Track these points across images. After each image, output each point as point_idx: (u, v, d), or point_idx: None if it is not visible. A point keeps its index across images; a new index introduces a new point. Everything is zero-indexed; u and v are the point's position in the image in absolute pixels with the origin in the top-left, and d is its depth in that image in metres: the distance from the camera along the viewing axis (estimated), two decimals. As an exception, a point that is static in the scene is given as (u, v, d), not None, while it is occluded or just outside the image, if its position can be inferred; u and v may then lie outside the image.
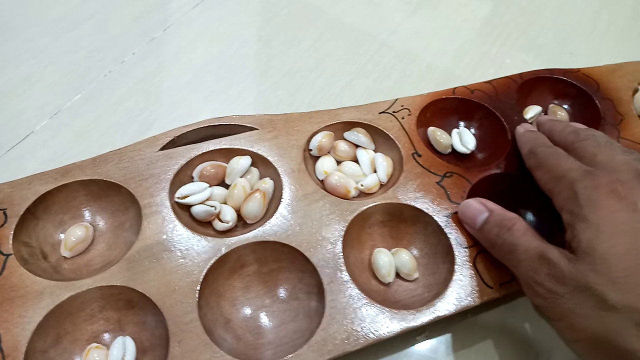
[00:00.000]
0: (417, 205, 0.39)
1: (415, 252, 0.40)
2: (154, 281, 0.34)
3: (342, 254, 0.36)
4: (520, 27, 0.60)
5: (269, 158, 0.40)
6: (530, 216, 0.41)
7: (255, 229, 0.37)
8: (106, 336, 0.34)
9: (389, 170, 0.42)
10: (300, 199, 0.39)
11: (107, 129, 0.47)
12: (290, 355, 0.32)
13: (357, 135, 0.43)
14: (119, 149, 0.40)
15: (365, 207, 0.39)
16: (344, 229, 0.38)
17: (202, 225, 0.39)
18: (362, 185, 0.41)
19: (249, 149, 0.41)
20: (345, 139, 0.44)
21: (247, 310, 0.36)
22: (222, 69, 0.53)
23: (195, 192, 0.38)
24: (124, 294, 0.34)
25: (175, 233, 0.36)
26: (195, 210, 0.38)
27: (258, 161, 0.41)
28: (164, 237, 0.36)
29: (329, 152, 0.43)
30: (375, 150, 0.44)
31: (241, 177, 0.40)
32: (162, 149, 0.40)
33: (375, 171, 0.42)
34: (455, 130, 0.46)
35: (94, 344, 0.33)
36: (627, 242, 0.29)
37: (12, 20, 0.55)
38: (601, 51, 0.58)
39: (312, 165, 0.42)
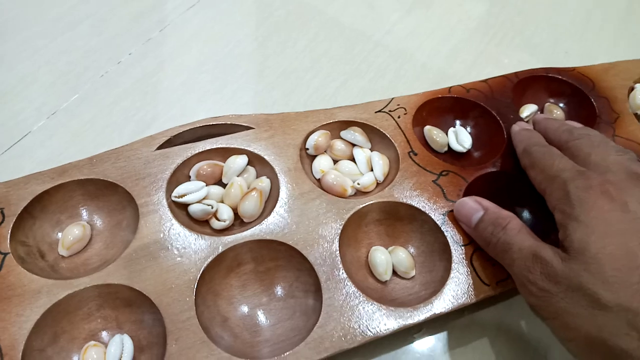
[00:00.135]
0: (414, 204, 0.39)
1: (412, 250, 0.40)
2: (151, 280, 0.34)
3: (338, 252, 0.36)
4: (515, 27, 0.61)
5: (265, 157, 0.41)
6: (526, 214, 0.42)
7: (252, 228, 0.37)
8: (104, 334, 0.34)
9: (385, 168, 0.42)
10: (297, 198, 0.39)
11: (104, 129, 0.47)
12: (287, 353, 0.32)
13: (354, 134, 0.43)
14: (115, 149, 0.40)
15: (361, 206, 0.39)
16: (341, 227, 0.38)
17: (199, 224, 0.39)
18: (358, 184, 0.41)
19: (246, 148, 0.41)
20: (341, 138, 0.44)
21: (244, 309, 0.36)
22: (218, 69, 0.53)
23: (192, 191, 0.38)
24: (121, 293, 0.34)
25: (172, 232, 0.36)
26: (192, 209, 0.38)
27: (254, 160, 0.41)
28: (161, 235, 0.36)
29: (325, 151, 0.43)
30: (371, 149, 0.44)
31: (238, 176, 0.40)
32: (159, 148, 0.40)
33: (371, 170, 0.42)
34: (451, 129, 0.46)
35: (92, 342, 0.33)
36: (617, 242, 0.29)
37: (8, 21, 0.55)
38: (596, 50, 0.58)
39: (309, 164, 0.42)
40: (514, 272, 0.33)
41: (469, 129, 0.47)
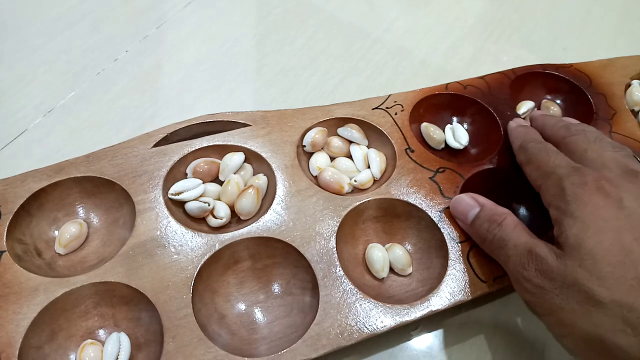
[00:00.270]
0: (410, 201, 0.39)
1: (409, 247, 0.40)
2: (148, 277, 0.34)
3: (335, 249, 0.36)
4: (513, 23, 0.61)
5: (262, 154, 0.41)
6: (522, 210, 0.42)
7: (249, 225, 0.37)
8: (101, 332, 0.34)
9: (382, 165, 0.42)
10: (294, 195, 0.39)
11: (101, 127, 0.47)
12: (284, 350, 0.32)
13: (351, 131, 0.43)
14: (112, 146, 0.40)
15: (358, 203, 0.39)
16: (338, 224, 0.38)
17: (196, 221, 0.39)
18: (355, 181, 0.41)
19: (243, 145, 0.41)
20: (338, 135, 0.44)
21: (242, 306, 0.36)
22: (215, 66, 0.53)
23: (188, 188, 0.38)
24: (118, 290, 0.34)
25: (169, 229, 0.36)
26: (189, 206, 0.38)
27: (251, 157, 0.41)
28: (158, 233, 0.36)
29: (322, 148, 0.43)
30: (368, 146, 0.44)
31: (235, 173, 0.40)
32: (156, 145, 0.40)
33: (368, 167, 0.42)
34: (448, 126, 0.46)
35: (89, 340, 0.33)
36: (612, 238, 0.29)
37: (5, 20, 0.55)
38: (594, 46, 0.58)
39: (306, 161, 0.42)
40: (509, 269, 0.33)
41: (466, 125, 0.47)
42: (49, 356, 0.33)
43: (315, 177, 0.41)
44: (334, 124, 0.44)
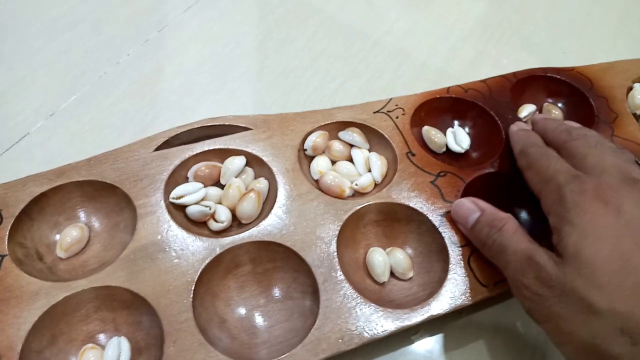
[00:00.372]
0: (411, 205, 0.39)
1: (409, 251, 0.40)
2: (148, 281, 0.34)
3: (336, 253, 0.36)
4: (514, 26, 0.61)
5: (263, 158, 0.41)
6: (524, 215, 0.42)
7: (250, 229, 0.37)
8: (101, 336, 0.34)
9: (384, 169, 0.42)
10: (295, 199, 0.39)
11: (103, 130, 0.47)
12: (284, 355, 0.32)
13: (352, 135, 0.43)
14: (113, 150, 0.40)
15: (359, 207, 0.39)
16: (339, 228, 0.38)
17: (197, 225, 0.39)
18: (356, 185, 0.41)
19: (244, 149, 0.41)
20: (339, 139, 0.44)
21: (242, 310, 0.36)
22: (216, 69, 0.53)
23: (190, 192, 0.38)
24: (119, 295, 0.34)
25: (170, 233, 0.36)
26: (190, 210, 0.38)
27: (252, 161, 0.41)
28: (159, 237, 0.36)
29: (323, 152, 0.43)
30: (369, 150, 0.44)
31: (236, 177, 0.40)
32: (157, 149, 0.40)
33: (369, 171, 0.42)
34: (449, 130, 0.46)
35: (90, 345, 0.33)
36: (611, 246, 0.29)
37: (7, 23, 0.55)
38: (594, 49, 0.58)
39: (307, 165, 0.42)
40: (509, 275, 0.33)
41: (467, 129, 0.47)
42: (49, 360, 0.33)
43: (316, 181, 0.41)
44: (335, 128, 0.44)
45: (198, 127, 0.42)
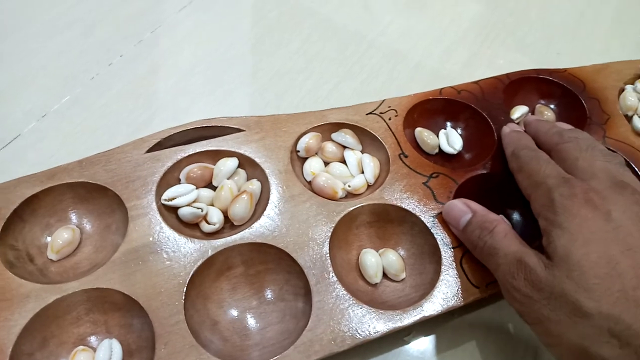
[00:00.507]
0: (404, 206, 0.39)
1: (402, 252, 0.40)
2: (140, 283, 0.34)
3: (329, 255, 0.36)
4: (508, 28, 0.61)
5: (256, 159, 0.41)
6: (516, 216, 0.42)
7: (242, 231, 0.37)
8: (93, 339, 0.34)
9: (376, 171, 0.42)
10: (288, 200, 0.39)
11: (95, 132, 0.47)
12: (276, 357, 0.32)
13: (345, 137, 0.43)
14: (105, 152, 0.39)
15: (352, 208, 0.39)
16: (331, 229, 0.38)
17: (189, 227, 0.39)
18: (349, 186, 0.41)
19: (236, 150, 0.41)
20: (332, 140, 0.44)
21: (234, 312, 0.36)
22: (210, 71, 0.53)
23: (182, 194, 0.38)
24: (110, 297, 0.34)
25: (162, 235, 0.36)
26: (182, 212, 0.38)
27: (245, 163, 0.41)
28: (151, 239, 0.36)
29: (316, 153, 0.43)
30: (362, 151, 0.44)
31: (228, 178, 0.40)
32: (149, 151, 0.40)
33: (362, 172, 0.42)
34: (442, 131, 0.46)
35: (81, 347, 0.33)
36: (600, 250, 0.29)
37: (-1, 23, 0.55)
38: (588, 51, 0.59)
39: (300, 167, 0.42)
40: (499, 277, 0.33)
41: (459, 130, 0.47)
42: (40, 363, 0.33)
43: (309, 183, 0.41)
44: (328, 129, 0.44)
45: (190, 129, 0.41)
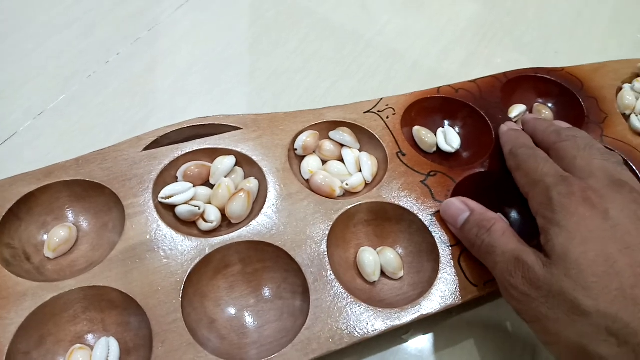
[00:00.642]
0: (402, 204, 0.39)
1: (400, 250, 0.40)
2: (137, 281, 0.34)
3: (326, 253, 0.36)
4: (505, 27, 0.61)
5: (253, 158, 0.40)
6: (514, 214, 0.42)
7: (239, 229, 0.37)
8: (90, 337, 0.34)
9: (374, 169, 0.42)
10: (285, 199, 0.39)
11: (91, 130, 0.47)
12: (274, 355, 0.32)
13: (342, 135, 0.43)
14: (102, 150, 0.39)
15: (350, 206, 0.39)
16: (329, 228, 0.38)
17: (186, 225, 0.38)
18: (347, 185, 0.41)
19: (233, 148, 0.41)
20: (330, 139, 0.44)
21: (232, 310, 0.36)
22: (207, 69, 0.53)
23: (179, 192, 0.38)
24: (107, 295, 0.34)
25: (159, 233, 0.36)
26: (179, 210, 0.38)
27: (242, 161, 0.41)
28: (148, 237, 0.36)
29: (314, 152, 0.43)
30: (360, 150, 0.44)
31: (225, 176, 0.40)
32: (146, 149, 0.40)
33: (360, 170, 0.42)
34: (440, 129, 0.46)
35: (78, 345, 0.33)
36: (598, 248, 0.29)
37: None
38: (585, 50, 0.59)
39: (297, 165, 0.42)
40: (497, 275, 0.33)
41: (457, 129, 0.47)
42: (37, 361, 0.32)
43: (307, 181, 0.41)
44: (325, 128, 0.44)
45: (187, 127, 0.41)
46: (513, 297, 0.31)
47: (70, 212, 0.39)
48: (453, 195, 0.40)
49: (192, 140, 0.41)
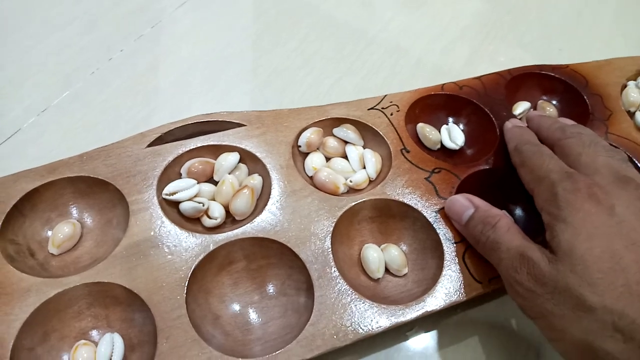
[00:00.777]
0: (406, 201, 0.39)
1: (404, 247, 0.40)
2: (141, 278, 0.34)
3: (331, 249, 0.36)
4: (509, 24, 0.61)
5: (257, 154, 0.40)
6: (518, 211, 0.42)
7: (243, 225, 0.37)
8: (94, 333, 0.34)
9: (378, 166, 0.42)
10: (289, 195, 0.39)
11: (95, 127, 0.47)
12: (279, 351, 0.32)
13: (346, 132, 0.43)
14: (106, 146, 0.39)
15: (354, 203, 0.39)
16: (333, 224, 0.37)
17: (190, 222, 0.38)
18: (351, 181, 0.41)
19: (237, 145, 0.41)
20: (334, 135, 0.44)
21: (236, 307, 0.36)
22: (210, 66, 0.53)
23: (183, 188, 0.38)
24: (111, 291, 0.34)
25: (163, 229, 0.36)
26: (183, 207, 0.38)
27: (246, 157, 0.41)
28: (152, 233, 0.36)
29: (317, 149, 0.43)
30: (364, 147, 0.44)
31: (229, 173, 0.40)
32: (150, 145, 0.40)
33: (364, 167, 0.42)
34: (444, 126, 0.46)
35: (82, 341, 0.33)
36: (603, 245, 0.29)
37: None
38: (590, 47, 0.59)
39: (301, 162, 0.42)
40: (502, 272, 0.33)
41: (461, 126, 0.47)
42: (41, 357, 0.32)
43: (311, 178, 0.41)
44: (329, 124, 0.44)
45: (191, 124, 0.41)
46: (518, 294, 0.31)
47: (74, 208, 0.39)
48: (457, 193, 0.40)
49: (195, 136, 0.41)
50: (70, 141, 0.45)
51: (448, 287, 0.36)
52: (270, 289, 0.37)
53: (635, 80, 0.50)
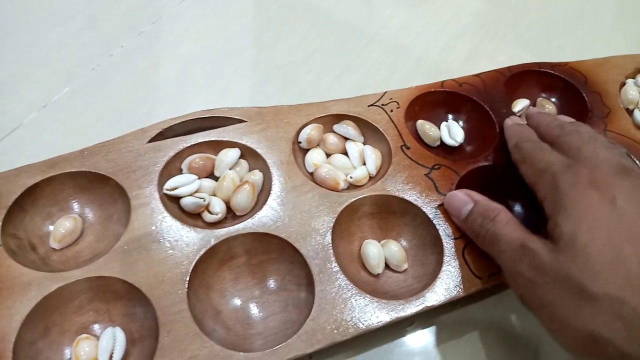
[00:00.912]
0: (406, 197, 0.39)
1: (404, 243, 0.40)
2: (142, 272, 0.34)
3: (331, 245, 0.36)
4: (509, 21, 0.61)
5: (257, 150, 0.41)
6: (518, 207, 0.42)
7: (244, 221, 0.37)
8: (95, 327, 0.34)
9: (378, 162, 0.42)
10: (290, 191, 0.39)
11: (96, 123, 0.47)
12: (279, 345, 0.32)
13: (346, 128, 0.43)
14: (106, 141, 0.39)
15: (354, 199, 0.39)
16: (333, 220, 0.38)
17: (191, 217, 0.39)
18: (351, 178, 0.41)
19: (238, 141, 0.41)
20: (334, 132, 0.44)
21: (237, 301, 0.36)
22: (211, 62, 0.53)
23: (184, 184, 0.38)
24: (112, 285, 0.34)
25: (164, 224, 0.36)
26: (184, 202, 0.38)
27: (247, 153, 0.41)
28: (153, 228, 0.36)
29: (318, 145, 0.43)
30: (364, 143, 0.44)
31: (230, 169, 0.40)
32: (151, 141, 0.40)
33: (364, 163, 0.42)
34: (443, 123, 0.46)
35: (84, 335, 0.33)
36: (605, 236, 0.29)
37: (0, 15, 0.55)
38: (589, 44, 0.59)
39: (302, 158, 0.42)
40: (502, 264, 0.33)
41: (461, 123, 0.47)
42: (43, 351, 0.32)
43: (311, 174, 0.41)
44: (329, 121, 0.44)
45: (192, 119, 0.41)
46: (519, 285, 0.31)
47: (75, 203, 0.39)
48: (457, 189, 0.40)
49: (196, 132, 0.41)
50: (71, 137, 0.45)
51: (448, 283, 0.36)
52: (271, 283, 0.37)
53: (634, 78, 0.50)
